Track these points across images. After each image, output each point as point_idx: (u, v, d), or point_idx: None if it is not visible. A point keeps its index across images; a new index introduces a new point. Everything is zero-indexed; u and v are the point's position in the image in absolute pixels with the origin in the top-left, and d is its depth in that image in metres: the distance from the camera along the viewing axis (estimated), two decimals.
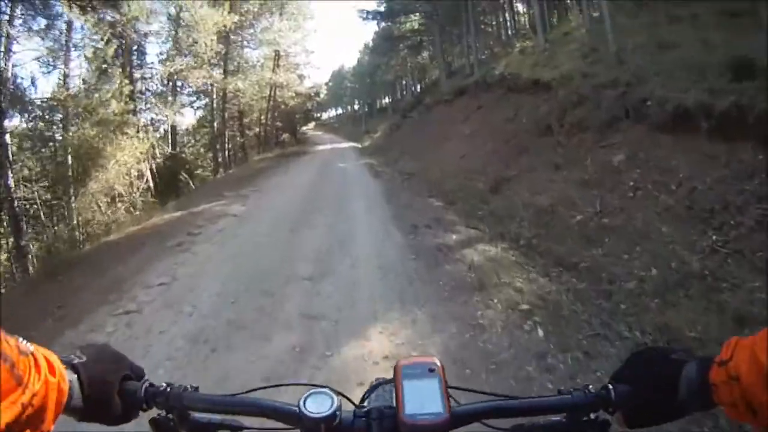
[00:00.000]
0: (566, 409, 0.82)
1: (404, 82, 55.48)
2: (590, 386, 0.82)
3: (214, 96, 27.03)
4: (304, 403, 0.76)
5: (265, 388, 0.94)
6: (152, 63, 23.24)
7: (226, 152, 28.16)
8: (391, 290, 5.36)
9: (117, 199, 17.14)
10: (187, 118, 38.04)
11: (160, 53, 22.94)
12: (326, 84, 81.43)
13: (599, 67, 11.74)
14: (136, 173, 18.23)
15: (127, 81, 19.37)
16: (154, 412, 0.84)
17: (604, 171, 8.46)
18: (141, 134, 19.20)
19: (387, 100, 61.91)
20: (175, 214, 10.80)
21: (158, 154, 20.99)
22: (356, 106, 72.32)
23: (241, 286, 5.78)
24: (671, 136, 7.60)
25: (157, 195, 18.72)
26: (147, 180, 18.58)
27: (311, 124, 73.97)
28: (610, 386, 0.80)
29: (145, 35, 22.43)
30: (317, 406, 0.76)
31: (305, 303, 5.16)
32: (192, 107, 28.78)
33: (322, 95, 71.54)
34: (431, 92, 28.60)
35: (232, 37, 27.42)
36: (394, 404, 0.78)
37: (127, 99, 18.98)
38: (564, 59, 14.42)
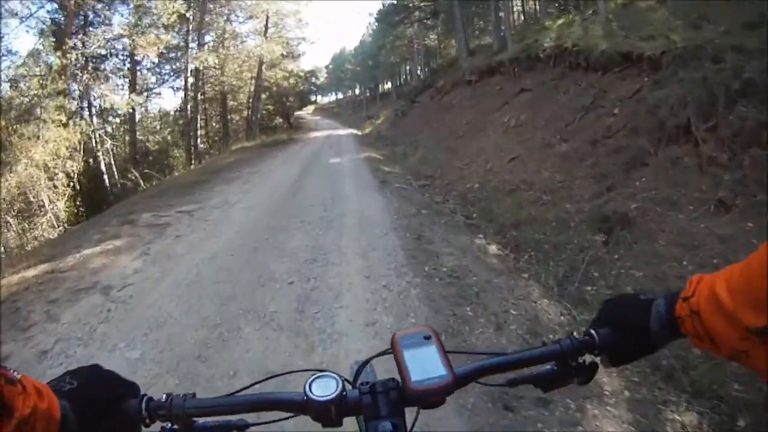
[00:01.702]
0: (556, 357, 0.83)
1: (408, 67, 50.54)
2: (574, 333, 0.85)
3: (188, 74, 21.93)
4: (310, 388, 0.74)
5: (262, 381, 0.91)
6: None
7: (198, 140, 22.98)
8: None
9: (35, 211, 12.29)
10: (169, 102, 32.63)
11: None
12: (326, 67, 77.21)
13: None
14: (65, 173, 13.26)
15: (59, 54, 14.39)
16: (156, 427, 0.77)
17: None
18: (76, 121, 14.25)
19: (389, 84, 56.67)
20: (28, 273, 5.55)
21: (99, 147, 15.95)
22: (357, 91, 67.18)
23: None
24: None
25: (88, 201, 13.72)
26: (73, 183, 13.53)
27: (310, 108, 68.92)
28: (593, 331, 0.83)
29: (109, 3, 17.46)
30: (323, 389, 0.73)
31: None
32: (172, 88, 23.87)
33: (321, 78, 67.23)
34: (445, 73, 23.40)
35: (209, 5, 22.35)
36: (397, 376, 0.76)
37: (57, 77, 14.04)
38: (660, 27, 9.47)
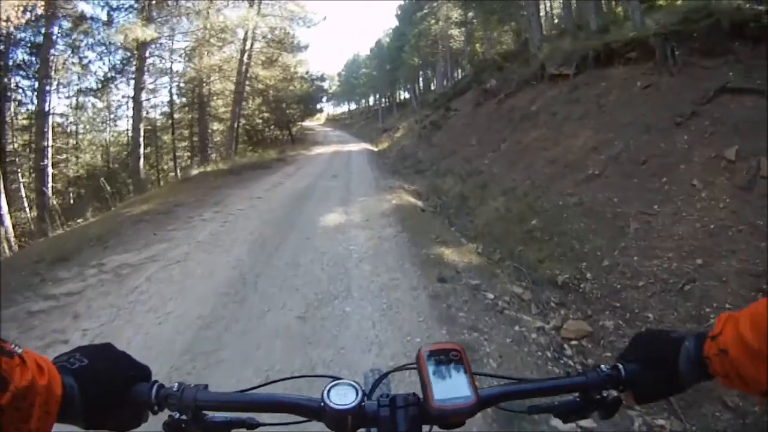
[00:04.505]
0: (580, 388, 0.78)
1: (429, 73, 43.72)
2: (601, 366, 0.79)
3: (141, 66, 15.09)
4: (328, 395, 0.69)
5: (279, 381, 0.89)
6: None
7: (141, 163, 15.69)
8: None
9: None
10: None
11: None
12: (338, 75, 70.92)
13: None
14: None
15: None
16: (164, 414, 0.72)
17: None
18: None
19: (406, 95, 50.08)
20: None
21: None
22: (371, 101, 60.75)
23: None
24: None
25: None
26: None
27: (320, 118, 61.96)
28: (620, 365, 0.77)
29: None
30: (341, 398, 0.69)
31: None
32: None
33: (332, 86, 60.47)
34: (499, 69, 16.14)
35: None
36: (419, 392, 0.71)
37: None
38: None
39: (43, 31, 13.32)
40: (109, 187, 10.83)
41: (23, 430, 0.53)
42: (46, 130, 12.91)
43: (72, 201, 15.74)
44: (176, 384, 0.71)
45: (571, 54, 10.64)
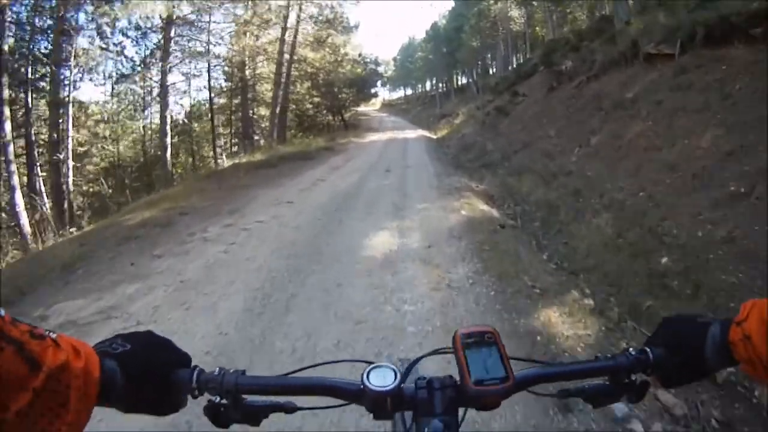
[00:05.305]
0: (609, 372, 0.77)
1: (488, 57, 41.52)
2: (630, 349, 0.77)
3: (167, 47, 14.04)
4: (368, 377, 0.69)
5: (317, 365, 0.83)
6: None
7: (168, 154, 14.62)
8: None
9: None
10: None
11: None
12: (393, 59, 69.66)
13: None
14: None
15: None
16: (203, 399, 0.73)
17: None
18: None
19: (464, 79, 48.28)
20: None
21: None
22: (428, 86, 59.27)
23: None
24: None
25: None
26: None
27: (375, 104, 60.61)
28: (648, 349, 0.76)
29: None
30: (380, 380, 0.69)
31: None
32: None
33: (387, 70, 59.08)
34: (575, 50, 14.31)
35: None
36: (457, 374, 0.71)
37: None
38: None
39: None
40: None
41: (62, 414, 0.51)
42: (61, 120, 12.07)
43: (111, 192, 15.06)
44: (216, 369, 0.71)
45: (673, 30, 8.81)
